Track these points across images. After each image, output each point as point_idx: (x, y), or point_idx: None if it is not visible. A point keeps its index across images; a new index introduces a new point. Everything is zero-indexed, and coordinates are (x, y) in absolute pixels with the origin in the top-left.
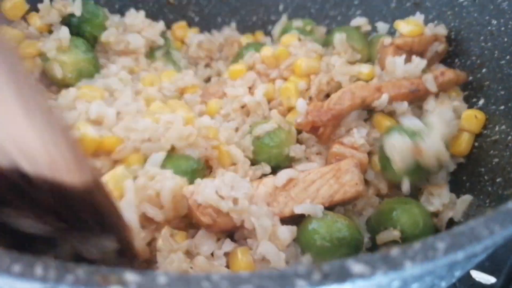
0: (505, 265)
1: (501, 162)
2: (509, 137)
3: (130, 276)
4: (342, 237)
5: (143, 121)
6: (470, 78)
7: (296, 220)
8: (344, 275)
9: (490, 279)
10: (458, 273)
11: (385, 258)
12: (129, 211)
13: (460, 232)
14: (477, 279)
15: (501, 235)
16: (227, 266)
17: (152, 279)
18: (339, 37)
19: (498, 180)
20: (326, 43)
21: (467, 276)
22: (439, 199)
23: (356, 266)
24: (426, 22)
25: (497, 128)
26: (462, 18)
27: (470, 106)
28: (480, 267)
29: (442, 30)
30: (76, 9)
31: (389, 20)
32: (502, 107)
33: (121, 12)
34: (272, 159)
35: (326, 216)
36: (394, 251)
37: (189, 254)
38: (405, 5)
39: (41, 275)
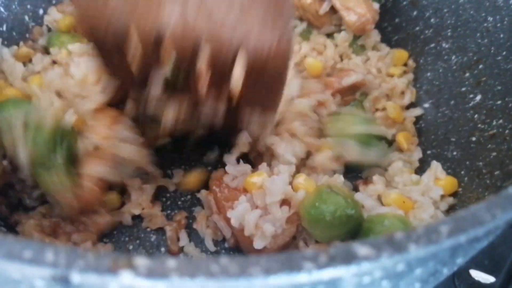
0: (504, 264)
1: (499, 156)
2: (507, 131)
3: (140, 260)
4: (350, 214)
5: None
6: (467, 74)
7: None
8: (350, 258)
9: (489, 278)
10: (460, 260)
11: (390, 241)
12: None
13: (462, 216)
14: (476, 278)
15: (502, 219)
16: None
17: (162, 263)
18: None
19: (496, 173)
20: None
21: (467, 275)
22: (426, 212)
23: (362, 249)
24: (422, 20)
25: (494, 123)
26: (458, 15)
27: (467, 102)
28: (480, 266)
29: None
30: None
31: (387, 18)
32: (499, 102)
33: None
34: None
35: (337, 194)
36: (399, 234)
37: None
38: (402, 3)
39: (52, 260)
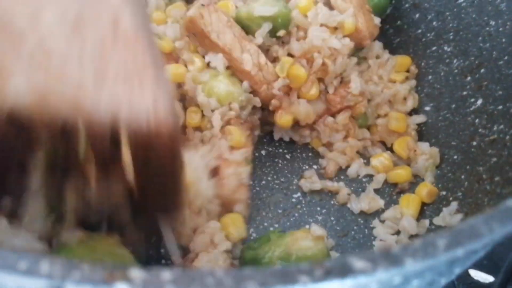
0: (503, 264)
1: (499, 161)
2: (507, 137)
3: (135, 272)
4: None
5: None
6: (469, 78)
7: None
8: (346, 271)
9: (488, 278)
10: (457, 270)
11: (386, 255)
12: None
13: (460, 229)
14: (475, 278)
15: (500, 233)
16: None
17: (157, 275)
18: None
19: (496, 179)
20: None
21: (466, 274)
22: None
23: (358, 263)
24: (424, 23)
25: (495, 128)
26: (460, 19)
27: (468, 106)
28: (479, 266)
29: None
30: None
31: (389, 20)
32: (500, 107)
33: None
34: None
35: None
36: (395, 248)
37: None
38: (404, 6)
39: (47, 272)
